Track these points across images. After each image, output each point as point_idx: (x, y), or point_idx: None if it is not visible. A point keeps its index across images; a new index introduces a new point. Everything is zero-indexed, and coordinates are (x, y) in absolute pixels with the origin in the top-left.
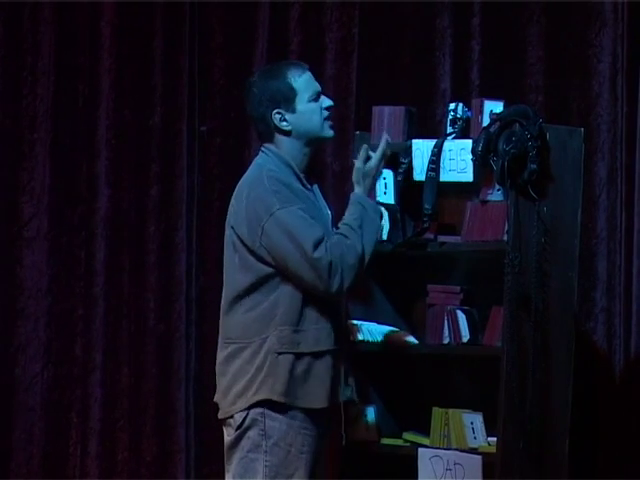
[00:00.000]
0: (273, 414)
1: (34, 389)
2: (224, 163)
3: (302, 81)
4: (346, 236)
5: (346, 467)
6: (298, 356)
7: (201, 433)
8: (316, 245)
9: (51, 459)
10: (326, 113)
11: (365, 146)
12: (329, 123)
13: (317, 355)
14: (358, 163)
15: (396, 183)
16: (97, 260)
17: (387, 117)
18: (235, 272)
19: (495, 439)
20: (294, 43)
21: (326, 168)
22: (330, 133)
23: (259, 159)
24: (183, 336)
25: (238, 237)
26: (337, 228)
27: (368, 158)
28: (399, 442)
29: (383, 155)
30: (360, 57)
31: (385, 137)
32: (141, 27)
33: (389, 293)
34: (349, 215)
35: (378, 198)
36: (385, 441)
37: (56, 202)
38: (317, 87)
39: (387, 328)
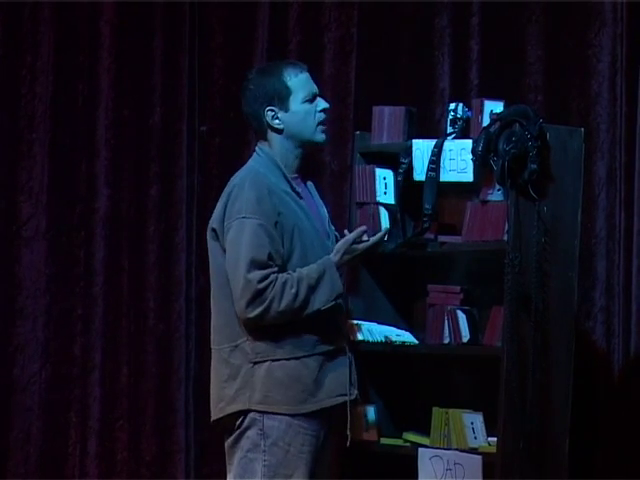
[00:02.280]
0: (273, 414)
1: (32, 389)
2: (224, 163)
3: (298, 81)
4: (294, 285)
5: (346, 467)
6: (275, 361)
7: (201, 433)
8: (253, 266)
9: (50, 459)
10: (321, 116)
11: (364, 228)
12: (322, 127)
13: (298, 359)
14: (350, 236)
15: (396, 183)
16: (96, 260)
17: (387, 117)
18: (211, 269)
19: (495, 439)
20: (293, 43)
21: (325, 167)
22: (321, 138)
23: (251, 161)
24: (183, 336)
25: (213, 231)
26: (328, 224)
27: (361, 240)
28: (399, 442)
29: (374, 245)
30: (359, 57)
31: (385, 230)
32: (141, 27)
33: (389, 293)
34: (311, 270)
35: (378, 198)
36: (385, 441)
37: (55, 202)
38: (313, 88)
39: (387, 328)
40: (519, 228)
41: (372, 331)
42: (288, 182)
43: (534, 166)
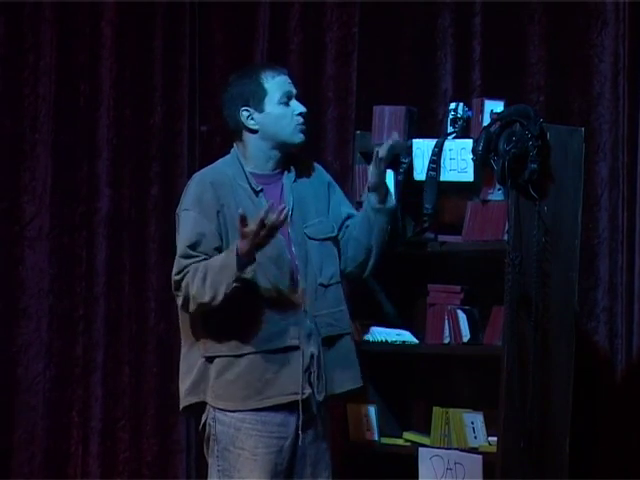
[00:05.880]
0: (222, 418)
1: (36, 388)
2: None
3: (275, 82)
4: (201, 270)
5: (346, 467)
6: (224, 358)
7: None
8: (179, 259)
9: (53, 458)
10: (298, 119)
11: (261, 215)
12: (300, 128)
13: (244, 356)
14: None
15: (397, 183)
16: (98, 260)
17: (388, 117)
18: None
19: (495, 439)
20: (294, 43)
21: (326, 167)
22: (299, 138)
23: (220, 159)
24: None
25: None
26: (291, 215)
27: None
28: (399, 442)
29: (265, 228)
30: (360, 57)
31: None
32: (142, 27)
33: (389, 293)
34: (217, 257)
35: None
36: (385, 441)
37: (57, 202)
38: (289, 90)
39: (387, 330)
40: (519, 228)
41: (372, 332)
42: (247, 179)
43: (534, 166)
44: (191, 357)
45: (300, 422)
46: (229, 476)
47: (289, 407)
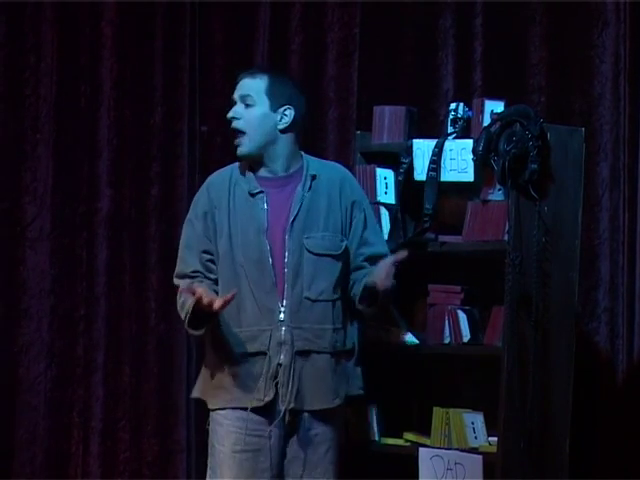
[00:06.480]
0: (215, 417)
1: (37, 389)
2: (224, 163)
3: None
4: (180, 300)
5: (346, 467)
6: (209, 355)
7: (202, 433)
8: (178, 264)
9: (53, 458)
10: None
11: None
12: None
13: (218, 354)
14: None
15: (397, 183)
16: (99, 260)
17: (388, 117)
18: None
19: (496, 439)
20: (295, 43)
21: None
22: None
23: None
24: (184, 335)
25: None
26: (291, 223)
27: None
28: (400, 442)
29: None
30: (361, 57)
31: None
32: (142, 27)
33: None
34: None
35: (379, 198)
36: (385, 441)
37: (58, 202)
38: (232, 96)
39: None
40: (520, 228)
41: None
42: (247, 181)
43: (535, 166)
44: (206, 353)
45: (273, 425)
46: (214, 472)
47: (269, 409)
